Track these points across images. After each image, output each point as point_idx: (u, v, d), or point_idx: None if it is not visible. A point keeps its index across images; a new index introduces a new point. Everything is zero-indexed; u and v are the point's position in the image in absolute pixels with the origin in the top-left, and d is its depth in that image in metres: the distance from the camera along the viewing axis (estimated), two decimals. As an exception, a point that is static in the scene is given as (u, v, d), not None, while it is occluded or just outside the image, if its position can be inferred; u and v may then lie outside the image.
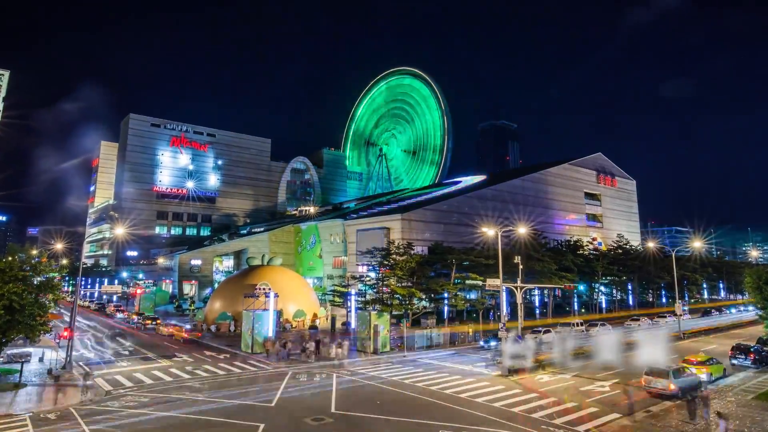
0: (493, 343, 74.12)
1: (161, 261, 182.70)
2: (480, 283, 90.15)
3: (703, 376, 50.51)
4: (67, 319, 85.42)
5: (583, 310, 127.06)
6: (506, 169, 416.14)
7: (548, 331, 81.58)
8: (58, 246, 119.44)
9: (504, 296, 72.15)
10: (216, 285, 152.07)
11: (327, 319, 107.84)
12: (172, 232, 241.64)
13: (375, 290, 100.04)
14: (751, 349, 61.61)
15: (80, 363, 61.83)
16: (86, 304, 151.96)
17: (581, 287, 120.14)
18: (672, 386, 44.55)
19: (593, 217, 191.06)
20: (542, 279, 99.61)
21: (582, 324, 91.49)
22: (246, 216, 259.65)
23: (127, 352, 71.72)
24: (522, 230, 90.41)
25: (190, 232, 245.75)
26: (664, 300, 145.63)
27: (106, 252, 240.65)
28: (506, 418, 39.21)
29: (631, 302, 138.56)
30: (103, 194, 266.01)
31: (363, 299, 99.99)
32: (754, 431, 36.61)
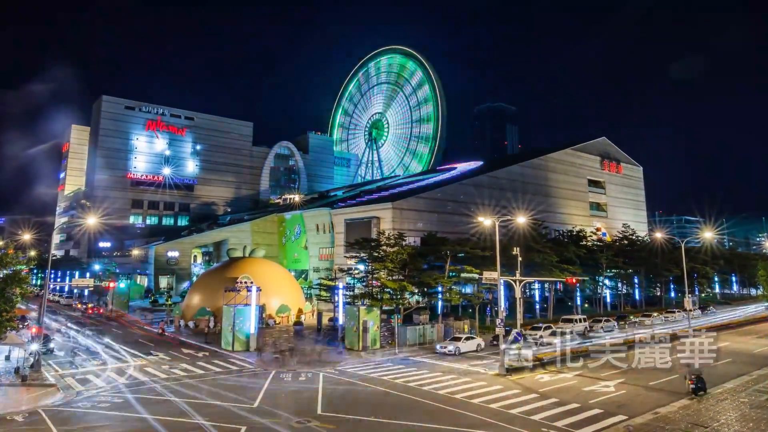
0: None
1: (136, 252, 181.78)
2: (476, 276, 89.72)
3: None
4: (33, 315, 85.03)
5: (586, 305, 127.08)
6: (504, 155, 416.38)
7: (549, 327, 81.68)
8: (26, 237, 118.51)
9: (502, 290, 71.91)
10: (194, 278, 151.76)
11: (313, 314, 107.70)
12: (148, 221, 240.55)
13: (364, 284, 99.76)
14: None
15: (50, 362, 61.46)
16: (56, 298, 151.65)
17: (585, 279, 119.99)
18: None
19: (597, 206, 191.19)
20: (542, 272, 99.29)
21: (584, 320, 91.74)
22: (226, 205, 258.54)
23: (99, 350, 71.39)
24: (521, 220, 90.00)
25: (167, 221, 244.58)
26: (672, 294, 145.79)
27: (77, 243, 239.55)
28: (504, 420, 39.14)
29: (637, 297, 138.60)
30: (74, 181, 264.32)
31: (351, 293, 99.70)
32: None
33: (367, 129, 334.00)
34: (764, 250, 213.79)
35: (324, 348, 74.10)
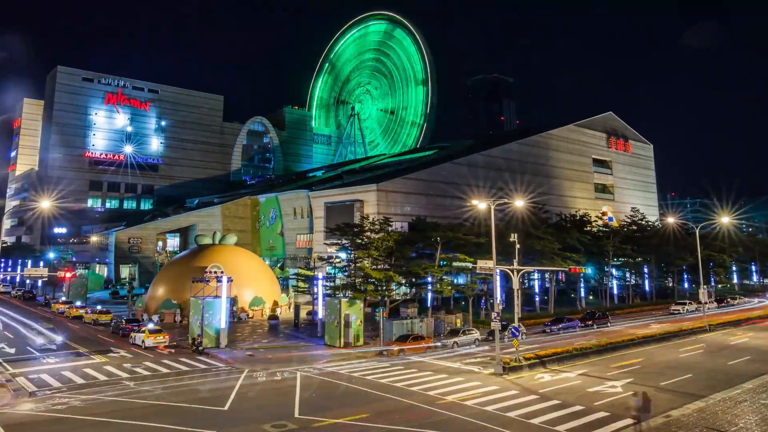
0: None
1: (95, 239, 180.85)
2: (470, 265, 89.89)
3: None
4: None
5: (591, 297, 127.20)
6: (501, 132, 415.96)
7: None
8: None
9: (498, 281, 71.82)
10: (159, 267, 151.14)
11: (290, 307, 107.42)
12: (108, 205, 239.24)
13: (346, 274, 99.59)
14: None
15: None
16: (4, 289, 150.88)
17: (589, 270, 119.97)
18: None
19: (603, 188, 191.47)
20: (543, 261, 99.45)
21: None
22: (194, 186, 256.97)
23: (55, 346, 70.82)
24: (519, 203, 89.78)
25: (129, 205, 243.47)
26: (686, 285, 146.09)
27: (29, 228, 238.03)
28: (500, 424, 38.88)
29: (647, 288, 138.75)
30: (26, 160, 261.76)
31: (332, 284, 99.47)
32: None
33: (349, 103, 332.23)
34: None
35: (302, 344, 73.83)
